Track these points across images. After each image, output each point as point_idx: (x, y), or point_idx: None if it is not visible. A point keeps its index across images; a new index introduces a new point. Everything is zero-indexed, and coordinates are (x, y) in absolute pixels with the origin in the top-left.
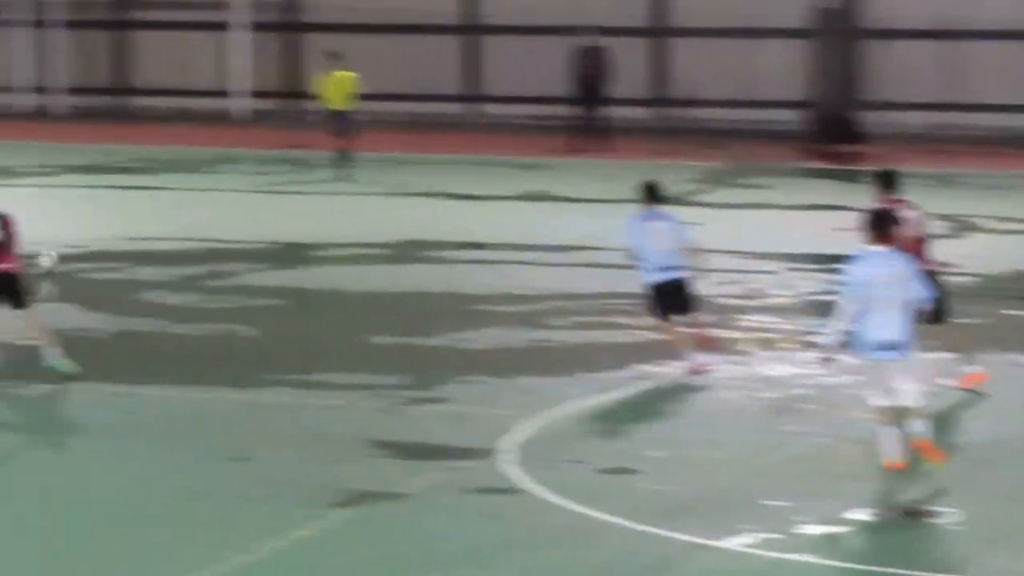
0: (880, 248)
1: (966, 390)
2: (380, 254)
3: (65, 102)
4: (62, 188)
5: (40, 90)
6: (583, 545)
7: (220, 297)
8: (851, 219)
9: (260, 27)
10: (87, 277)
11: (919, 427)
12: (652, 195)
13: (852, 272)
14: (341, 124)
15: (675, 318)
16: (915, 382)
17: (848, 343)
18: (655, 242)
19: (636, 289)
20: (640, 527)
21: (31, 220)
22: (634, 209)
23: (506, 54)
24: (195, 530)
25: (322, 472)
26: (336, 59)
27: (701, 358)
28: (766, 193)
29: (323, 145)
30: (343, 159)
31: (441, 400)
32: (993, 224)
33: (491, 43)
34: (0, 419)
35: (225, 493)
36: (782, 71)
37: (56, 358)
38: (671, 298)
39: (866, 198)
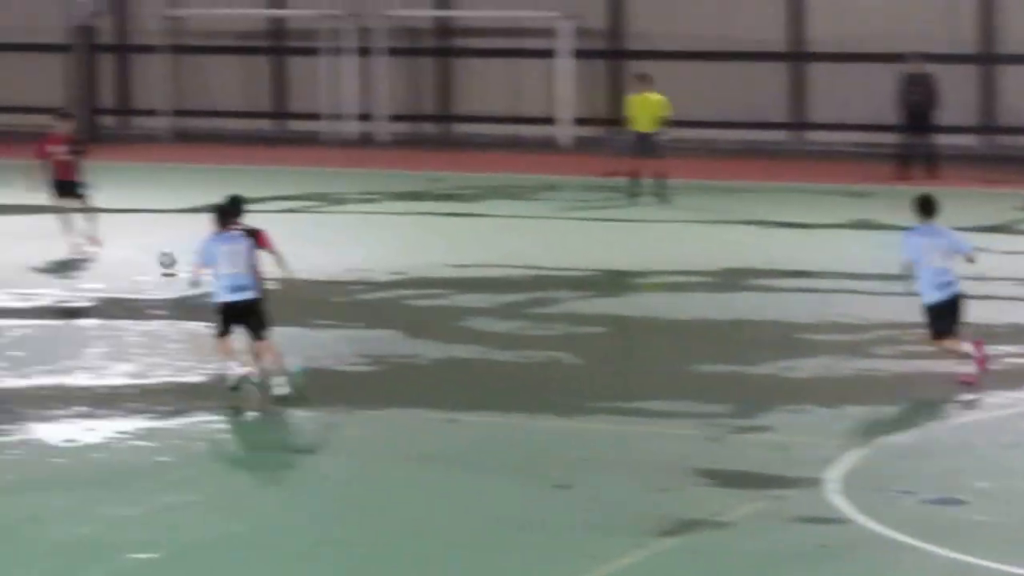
0: None
1: None
2: (703, 282)
3: (388, 129)
4: (385, 215)
5: (365, 117)
6: None
7: (543, 324)
8: None
9: (584, 54)
10: (410, 304)
11: None
12: (926, 210)
13: None
14: (647, 147)
15: (949, 335)
16: None
17: None
18: (929, 259)
19: (962, 319)
20: (967, 559)
21: (354, 246)
22: (913, 226)
23: (831, 81)
24: (519, 557)
25: (646, 500)
26: (644, 81)
27: (968, 368)
28: None
29: (643, 172)
30: (657, 184)
31: (765, 429)
32: None
33: (816, 70)
34: (322, 444)
35: (549, 520)
36: None
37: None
38: (947, 315)
39: None
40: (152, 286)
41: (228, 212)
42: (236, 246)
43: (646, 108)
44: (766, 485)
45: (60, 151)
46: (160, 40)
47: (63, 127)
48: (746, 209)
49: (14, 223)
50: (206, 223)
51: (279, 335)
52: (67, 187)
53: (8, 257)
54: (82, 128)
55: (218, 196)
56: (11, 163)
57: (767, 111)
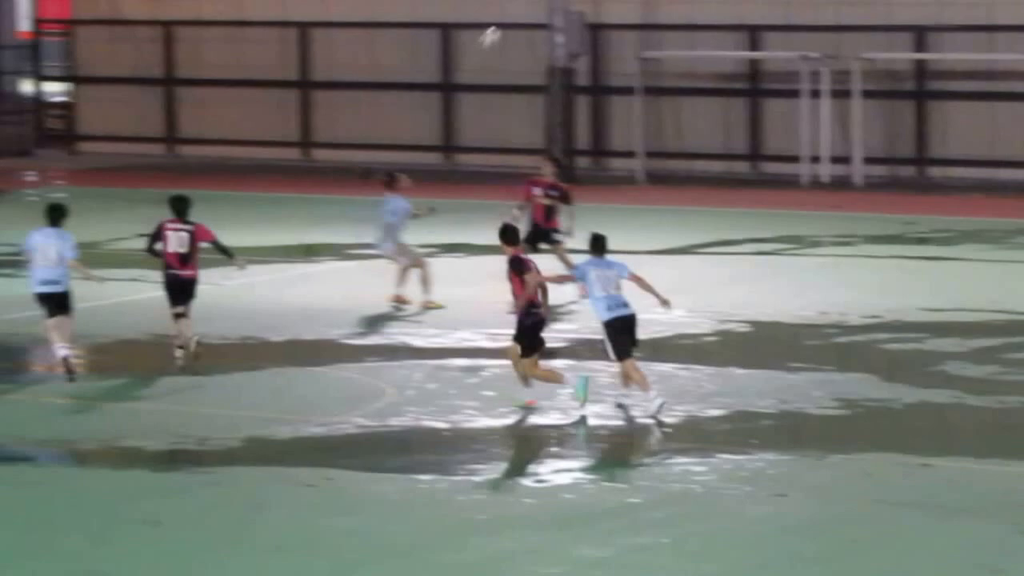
0: None
1: None
2: None
3: (864, 172)
4: (860, 258)
5: (839, 160)
6: None
7: (1019, 369)
8: None
9: None
10: (884, 347)
11: None
12: None
13: None
14: None
15: None
16: None
17: None
18: None
19: None
20: None
21: (828, 288)
22: None
23: None
24: None
25: None
26: None
27: None
28: None
29: None
30: None
31: None
32: None
33: None
34: (794, 487)
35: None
36: None
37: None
38: None
39: None
40: None
41: (599, 242)
42: (609, 271)
43: None
44: None
45: (539, 194)
46: (636, 81)
47: (547, 170)
48: None
49: (491, 263)
50: (680, 264)
51: (749, 377)
52: (541, 234)
53: (483, 297)
54: (561, 170)
55: (691, 239)
56: (488, 203)
57: None
